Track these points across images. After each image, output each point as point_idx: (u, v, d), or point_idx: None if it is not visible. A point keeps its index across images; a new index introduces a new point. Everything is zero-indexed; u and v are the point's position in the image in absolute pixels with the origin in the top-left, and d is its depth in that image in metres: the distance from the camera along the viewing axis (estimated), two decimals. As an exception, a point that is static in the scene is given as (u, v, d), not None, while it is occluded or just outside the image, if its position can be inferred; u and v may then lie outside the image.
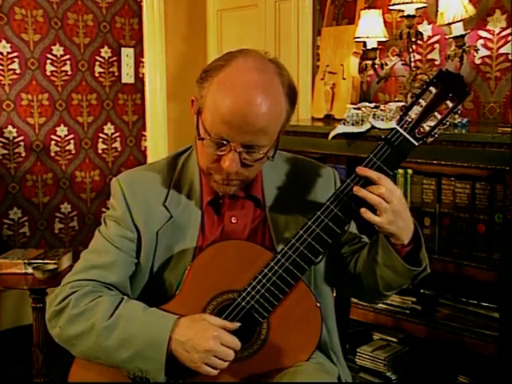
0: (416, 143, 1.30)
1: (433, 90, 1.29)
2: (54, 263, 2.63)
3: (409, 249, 1.35)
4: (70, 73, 3.41)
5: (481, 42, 2.47)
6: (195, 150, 1.45)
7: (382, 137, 1.31)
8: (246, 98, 1.26)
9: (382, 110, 2.28)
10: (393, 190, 1.28)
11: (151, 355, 1.29)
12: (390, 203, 1.28)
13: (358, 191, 1.29)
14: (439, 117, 1.30)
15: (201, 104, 1.34)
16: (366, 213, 1.29)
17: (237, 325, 1.32)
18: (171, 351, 1.29)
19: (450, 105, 1.29)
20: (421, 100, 1.30)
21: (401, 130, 1.30)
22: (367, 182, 1.30)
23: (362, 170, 1.30)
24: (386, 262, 1.36)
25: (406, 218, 1.31)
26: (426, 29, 2.63)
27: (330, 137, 2.35)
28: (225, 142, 1.30)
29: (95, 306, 1.35)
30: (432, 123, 1.30)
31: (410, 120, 1.30)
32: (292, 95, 1.35)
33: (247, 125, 1.27)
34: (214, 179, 1.37)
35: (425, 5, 2.46)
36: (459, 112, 1.30)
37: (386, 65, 2.63)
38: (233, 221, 1.45)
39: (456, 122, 2.16)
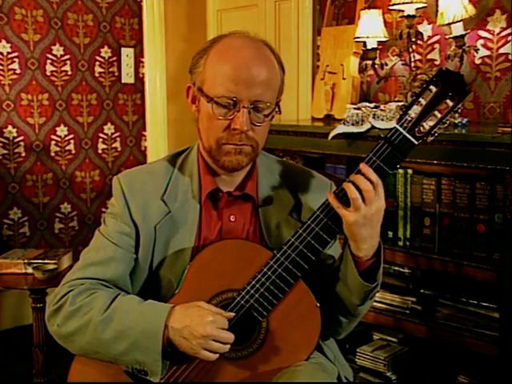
0: (416, 142, 1.30)
1: (433, 88, 1.29)
2: (54, 263, 2.63)
3: (366, 267, 1.35)
4: (70, 73, 3.41)
5: (481, 41, 2.47)
6: (199, 136, 1.47)
7: (382, 136, 1.32)
8: (246, 54, 1.36)
9: (381, 110, 2.28)
10: (378, 198, 1.29)
11: (147, 345, 1.29)
12: (367, 205, 1.28)
13: (345, 185, 1.30)
14: (439, 116, 1.30)
15: (200, 81, 1.39)
16: (333, 200, 1.30)
17: (231, 314, 1.33)
18: (168, 340, 1.30)
19: (450, 104, 1.29)
20: (421, 99, 1.30)
21: (400, 129, 1.30)
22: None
23: (364, 168, 1.30)
24: (343, 275, 1.37)
25: (374, 231, 1.32)
26: (426, 29, 2.63)
27: (330, 137, 2.35)
28: (234, 100, 1.34)
29: (91, 301, 1.36)
30: (432, 122, 1.30)
31: (409, 119, 1.30)
32: (281, 64, 1.44)
33: (252, 77, 1.34)
34: (227, 150, 1.39)
35: (425, 5, 2.46)
36: (459, 111, 1.30)
37: (386, 65, 2.63)
38: (231, 219, 1.46)
39: (456, 121, 2.16)
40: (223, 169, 1.43)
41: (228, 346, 1.30)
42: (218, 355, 1.30)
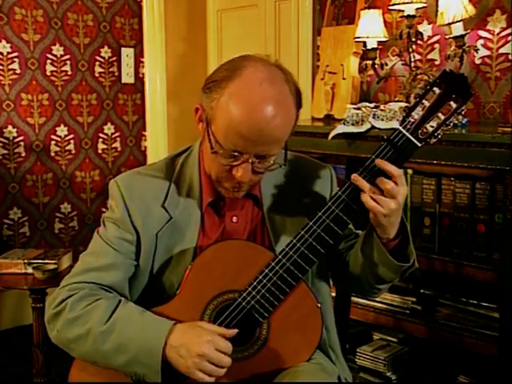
0: (419, 144, 1.29)
1: (436, 90, 1.29)
2: (54, 263, 2.63)
3: (395, 243, 1.36)
4: (70, 73, 3.41)
5: (481, 41, 2.47)
6: (201, 156, 1.45)
7: (385, 137, 1.31)
8: (262, 112, 1.27)
9: (382, 110, 2.28)
10: (399, 189, 1.29)
11: (147, 361, 1.28)
12: (393, 199, 1.28)
13: (357, 180, 1.29)
14: (442, 118, 1.29)
15: (210, 115, 1.32)
16: (365, 197, 1.29)
17: (235, 331, 1.32)
18: (166, 357, 1.28)
19: (454, 105, 1.29)
20: (424, 101, 1.29)
21: (403, 131, 1.29)
22: (370, 181, 1.30)
23: (382, 163, 1.29)
24: (380, 260, 1.37)
25: (399, 216, 1.33)
26: (426, 29, 2.62)
27: (330, 137, 2.35)
28: (237, 154, 1.30)
29: (92, 310, 1.34)
30: (435, 124, 1.29)
31: (412, 121, 1.29)
32: (298, 99, 1.36)
33: (263, 138, 1.28)
34: (224, 186, 1.38)
35: (425, 5, 2.46)
36: (463, 113, 1.30)
37: (386, 65, 2.63)
38: (233, 220, 1.45)
39: (456, 121, 2.16)
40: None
41: (224, 371, 1.27)
42: (213, 379, 1.27)
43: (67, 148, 3.45)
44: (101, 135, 3.57)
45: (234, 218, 1.45)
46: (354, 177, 1.30)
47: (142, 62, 3.65)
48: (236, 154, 1.30)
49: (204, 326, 1.30)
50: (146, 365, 1.28)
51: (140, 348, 1.29)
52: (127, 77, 3.62)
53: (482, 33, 2.48)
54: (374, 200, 1.28)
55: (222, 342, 1.28)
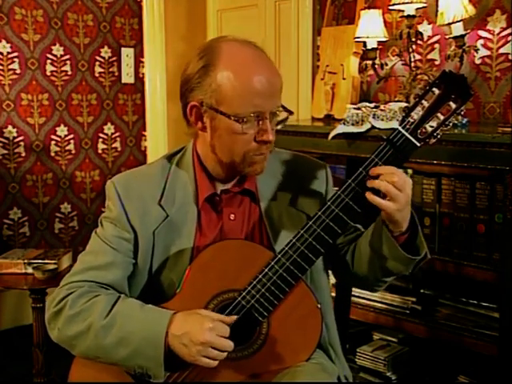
0: (418, 144, 1.30)
1: (436, 91, 1.29)
2: (54, 263, 2.63)
3: (406, 236, 1.36)
4: (70, 73, 3.42)
5: (481, 41, 2.47)
6: (195, 155, 1.46)
7: (384, 137, 1.32)
8: (262, 66, 1.35)
9: (381, 110, 2.27)
10: (405, 180, 1.30)
11: (150, 352, 1.29)
12: (402, 191, 1.29)
13: (373, 183, 1.30)
14: (442, 118, 1.30)
15: (215, 97, 1.34)
16: (374, 198, 1.29)
17: (234, 318, 1.33)
18: (169, 346, 1.29)
19: (453, 106, 1.30)
20: (423, 101, 1.30)
21: (403, 131, 1.30)
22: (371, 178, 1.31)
23: (374, 170, 1.30)
24: (391, 254, 1.37)
25: (409, 209, 1.34)
26: (426, 29, 2.62)
27: (330, 137, 2.35)
28: (259, 115, 1.34)
29: (92, 305, 1.35)
30: (434, 124, 1.30)
31: (412, 121, 1.30)
32: None
33: (273, 88, 1.35)
34: (254, 161, 1.39)
35: (425, 5, 2.46)
36: (462, 113, 1.30)
37: (386, 65, 2.63)
38: (231, 218, 1.46)
39: (456, 121, 2.16)
40: (245, 175, 1.43)
41: (225, 354, 1.29)
42: (217, 362, 1.29)
43: (67, 148, 3.45)
44: (101, 135, 3.57)
45: (232, 215, 1.46)
46: (372, 170, 1.30)
47: (142, 62, 3.65)
48: (257, 115, 1.33)
49: (203, 313, 1.31)
50: (148, 356, 1.29)
51: (142, 340, 1.30)
52: (127, 77, 3.62)
53: (482, 33, 2.48)
54: (384, 198, 1.29)
55: (223, 327, 1.29)
